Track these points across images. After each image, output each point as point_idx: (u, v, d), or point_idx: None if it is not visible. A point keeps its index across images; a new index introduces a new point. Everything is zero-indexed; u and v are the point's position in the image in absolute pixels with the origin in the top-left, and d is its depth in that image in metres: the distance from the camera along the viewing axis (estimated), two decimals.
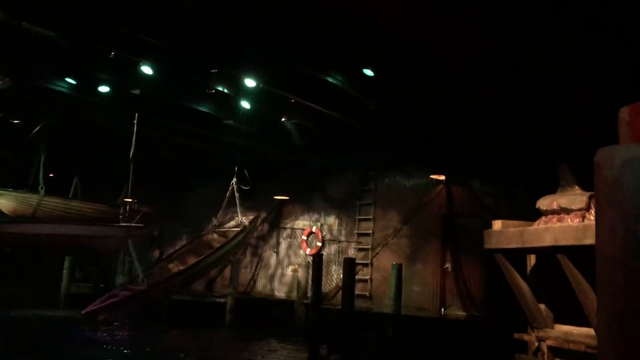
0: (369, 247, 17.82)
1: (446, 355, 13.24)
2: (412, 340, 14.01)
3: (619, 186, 2.89)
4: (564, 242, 6.05)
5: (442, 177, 16.14)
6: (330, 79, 11.92)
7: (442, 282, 15.97)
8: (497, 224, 7.47)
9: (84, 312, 15.04)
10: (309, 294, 18.00)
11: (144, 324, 17.00)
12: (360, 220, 18.28)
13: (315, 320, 13.12)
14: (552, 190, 9.58)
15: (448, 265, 15.95)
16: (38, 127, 15.83)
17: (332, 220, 19.19)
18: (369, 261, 17.65)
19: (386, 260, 17.21)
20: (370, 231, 17.93)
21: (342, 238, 18.74)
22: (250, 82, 12.54)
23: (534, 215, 8.85)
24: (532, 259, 7.50)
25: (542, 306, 7.02)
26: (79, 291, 22.74)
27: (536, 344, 7.06)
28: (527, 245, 6.75)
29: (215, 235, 19.63)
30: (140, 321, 16.98)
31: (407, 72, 11.94)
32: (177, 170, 22.67)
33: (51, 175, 18.87)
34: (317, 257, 14.08)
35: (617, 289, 2.82)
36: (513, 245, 6.95)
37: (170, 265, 18.10)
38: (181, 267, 17.56)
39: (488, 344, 12.57)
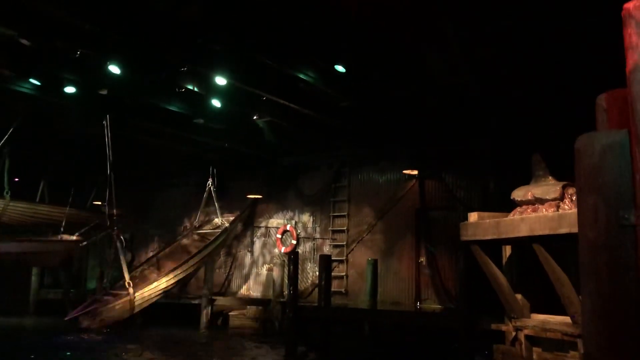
0: (344, 243, 17.82)
1: (423, 348, 13.35)
2: (389, 334, 14.08)
3: (600, 172, 2.90)
4: (539, 232, 6.11)
5: (415, 172, 16.21)
6: (301, 76, 11.84)
7: (417, 276, 16.06)
8: (473, 216, 7.51)
9: (66, 318, 14.71)
10: (285, 292, 17.96)
11: (118, 327, 16.72)
12: (334, 217, 18.27)
13: (292, 318, 13.02)
14: (524, 181, 9.72)
15: (423, 259, 16.05)
16: (8, 134, 15.30)
17: (306, 217, 19.13)
18: (344, 258, 17.65)
19: (361, 257, 17.23)
20: (345, 228, 17.93)
21: (317, 235, 18.70)
22: (220, 80, 12.38)
23: (506, 206, 8.96)
24: (507, 250, 7.57)
25: (519, 296, 7.09)
26: (49, 297, 22.27)
27: (513, 333, 7.13)
28: (503, 236, 6.81)
29: (195, 237, 19.36)
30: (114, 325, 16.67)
31: (378, 68, 11.96)
32: (146, 171, 22.28)
33: (16, 179, 18.37)
34: (293, 255, 13.99)
35: (601, 275, 2.82)
36: (489, 237, 7.00)
37: (147, 272, 17.77)
38: (167, 269, 17.27)
39: (465, 335, 12.73)
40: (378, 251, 16.89)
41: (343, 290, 17.39)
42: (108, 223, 18.05)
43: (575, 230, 5.75)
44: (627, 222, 2.74)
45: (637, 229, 2.72)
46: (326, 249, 18.15)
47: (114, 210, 17.51)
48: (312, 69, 11.89)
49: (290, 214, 19.55)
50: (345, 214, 18.02)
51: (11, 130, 15.10)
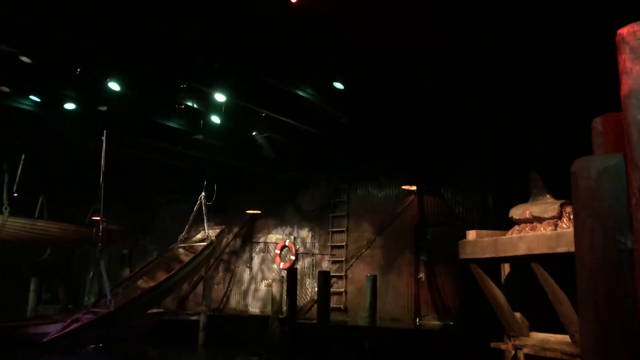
0: (343, 259, 17.79)
1: None
2: (389, 352, 14.01)
3: (596, 196, 2.91)
4: (537, 251, 6.11)
5: (414, 188, 16.23)
6: (300, 92, 11.90)
7: (417, 292, 16.01)
8: (472, 234, 7.51)
9: (44, 340, 13.68)
10: (284, 308, 17.87)
11: (114, 344, 16.57)
12: (333, 232, 18.25)
13: (291, 334, 12.97)
14: (524, 199, 9.74)
15: (422, 275, 16.02)
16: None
17: (305, 233, 19.11)
18: (343, 273, 17.61)
19: (360, 272, 17.19)
20: (344, 243, 17.91)
21: (316, 251, 18.66)
22: (219, 97, 12.46)
23: (505, 224, 8.96)
24: (506, 268, 7.56)
25: (518, 314, 7.07)
26: (46, 313, 22.09)
27: (513, 352, 7.09)
28: (502, 254, 6.81)
29: (181, 250, 19.16)
30: (110, 341, 16.51)
31: (376, 85, 12.04)
32: (146, 187, 22.33)
33: (15, 195, 18.34)
34: (292, 270, 13.95)
35: (599, 300, 2.83)
36: (487, 255, 6.99)
37: (139, 282, 17.56)
38: (150, 284, 17.01)
39: (464, 353, 12.67)
40: (377, 267, 16.85)
41: (342, 306, 17.31)
42: (105, 239, 17.84)
43: (573, 249, 5.78)
44: (623, 247, 2.76)
45: (635, 254, 2.73)
46: (325, 265, 18.11)
47: (101, 226, 16.97)
48: (311, 86, 11.95)
49: (289, 229, 19.53)
50: (344, 229, 18.01)
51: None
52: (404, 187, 16.35)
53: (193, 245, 18.78)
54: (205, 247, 17.93)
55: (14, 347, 14.80)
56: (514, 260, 6.79)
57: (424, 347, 13.60)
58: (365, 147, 15.88)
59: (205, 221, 18.17)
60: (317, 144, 15.84)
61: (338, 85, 11.91)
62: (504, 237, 6.99)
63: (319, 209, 18.80)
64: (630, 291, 2.73)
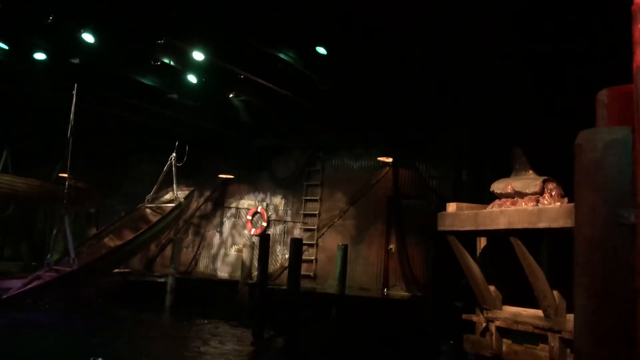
0: (315, 227, 17.77)
1: (389, 334, 13.45)
2: (356, 319, 14.14)
3: (600, 169, 2.86)
4: (518, 225, 6.12)
5: (389, 160, 16.21)
6: (282, 55, 11.63)
7: (386, 263, 16.14)
8: (452, 207, 7.50)
9: (4, 297, 13.11)
10: (254, 274, 17.85)
11: (78, 305, 16.35)
12: (306, 200, 18.18)
13: (261, 300, 12.94)
14: (498, 174, 9.80)
15: (392, 246, 16.13)
16: None
17: (278, 200, 19.00)
18: (314, 242, 17.62)
19: (332, 241, 17.22)
20: (317, 212, 17.87)
21: (288, 218, 18.59)
22: (198, 55, 12.05)
23: (479, 199, 8.99)
24: (482, 242, 7.60)
25: (492, 288, 7.14)
26: (7, 269, 21.59)
27: (484, 324, 7.18)
28: (481, 227, 6.82)
29: (149, 210, 18.83)
30: (76, 301, 16.27)
31: (359, 52, 11.82)
32: (116, 145, 21.75)
33: None
34: (264, 237, 13.86)
35: (596, 271, 2.80)
36: (467, 228, 6.99)
37: (105, 241, 17.21)
38: (117, 243, 16.70)
39: (432, 324, 12.86)
40: (349, 237, 16.88)
41: (312, 274, 17.37)
42: (71, 195, 17.33)
43: (554, 225, 5.81)
44: (625, 220, 2.72)
45: (637, 228, 2.70)
46: (297, 233, 18.08)
47: (68, 182, 16.45)
48: (293, 49, 11.68)
49: (261, 195, 19.39)
50: (318, 198, 17.95)
51: None
52: (380, 158, 16.30)
53: (161, 206, 18.47)
54: (174, 209, 17.67)
55: None
56: (494, 234, 6.82)
57: (391, 316, 13.77)
58: (343, 116, 15.71)
59: (174, 182, 17.85)
60: (294, 110, 15.63)
61: (321, 51, 11.65)
62: (484, 210, 7.00)
63: (293, 177, 18.67)
64: (628, 265, 2.70)
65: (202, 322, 14.91)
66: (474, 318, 7.37)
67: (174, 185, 17.98)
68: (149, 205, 18.62)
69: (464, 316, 7.64)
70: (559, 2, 8.92)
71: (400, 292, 15.63)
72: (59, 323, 13.90)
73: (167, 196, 18.58)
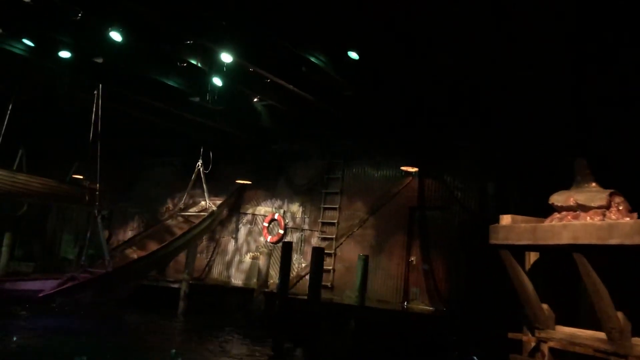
0: (333, 236, 17.41)
1: (411, 349, 13.08)
2: (376, 332, 13.78)
3: None
4: (584, 241, 5.76)
5: (412, 169, 15.87)
6: (313, 59, 11.34)
7: (407, 275, 15.77)
8: (506, 219, 7.12)
9: (40, 295, 13.61)
10: (269, 281, 17.52)
11: (95, 309, 16.07)
12: (325, 209, 17.84)
13: (281, 311, 12.58)
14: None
15: (413, 258, 15.77)
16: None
17: (295, 207, 18.67)
18: (332, 251, 17.24)
19: (350, 251, 16.87)
20: (335, 221, 17.52)
21: (306, 227, 18.25)
22: (226, 57, 11.75)
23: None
24: (531, 257, 7.24)
25: (545, 306, 6.76)
26: (19, 269, 21.32)
27: (533, 344, 6.80)
28: (540, 242, 6.44)
29: (180, 219, 18.69)
30: (91, 307, 15.99)
31: (389, 59, 11.54)
32: (131, 146, 21.47)
33: None
34: (286, 244, 13.54)
35: None
36: (524, 242, 6.62)
37: (128, 251, 17.04)
38: (147, 250, 16.58)
39: (461, 340, 12.49)
40: (368, 247, 16.51)
41: (329, 284, 16.98)
42: (87, 198, 17.18)
43: (627, 242, 5.46)
44: None
45: None
46: (314, 241, 17.74)
47: (97, 185, 16.65)
48: (324, 53, 11.39)
49: (278, 202, 19.07)
50: (337, 206, 17.61)
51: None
52: (403, 167, 15.95)
53: (191, 216, 18.41)
54: (206, 218, 17.56)
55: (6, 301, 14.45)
56: (553, 249, 6.46)
57: (414, 330, 13.42)
58: (366, 124, 15.40)
59: (205, 191, 17.75)
60: (317, 115, 15.33)
61: (353, 55, 11.35)
62: (543, 224, 6.63)
63: (311, 184, 18.36)
64: None
65: (218, 332, 14.50)
66: (523, 337, 7.00)
67: (206, 195, 17.85)
68: (180, 214, 18.52)
69: (510, 335, 7.26)
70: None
71: (420, 305, 15.25)
72: (66, 327, 13.67)
73: (199, 206, 18.50)
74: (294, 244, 18.15)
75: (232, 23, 10.80)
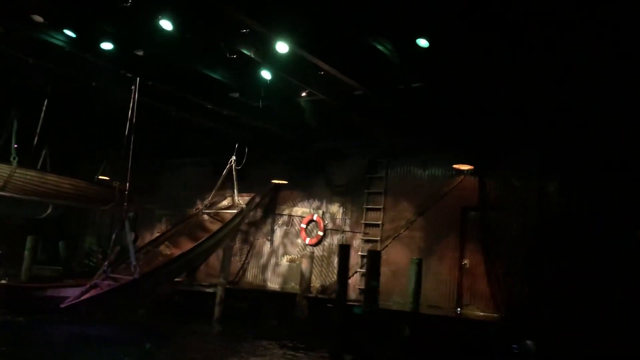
0: (378, 239, 16.53)
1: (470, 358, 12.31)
2: (432, 339, 12.96)
3: None
4: None
5: (466, 167, 15.00)
6: (379, 46, 10.47)
7: (460, 279, 14.92)
8: None
9: (62, 306, 12.34)
10: (313, 286, 16.69)
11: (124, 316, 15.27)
12: (368, 209, 16.97)
13: (341, 322, 11.73)
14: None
15: (467, 261, 14.92)
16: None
17: (335, 208, 17.79)
18: None
19: (397, 254, 16.01)
20: (380, 222, 16.64)
21: (347, 228, 17.37)
22: (282, 47, 10.86)
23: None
24: None
25: None
26: (42, 274, 20.45)
27: None
28: None
29: (206, 217, 17.70)
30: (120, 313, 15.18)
31: (465, 47, 10.66)
32: (158, 145, 20.51)
33: (15, 145, 16.53)
34: (343, 247, 12.67)
35: None
36: None
37: (161, 248, 16.03)
38: (174, 251, 15.57)
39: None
40: (416, 250, 15.63)
41: None
42: (117, 199, 16.20)
43: None
44: None
45: None
46: (356, 244, 16.87)
47: (127, 185, 15.59)
48: (392, 40, 10.51)
49: (317, 203, 18.20)
50: (381, 207, 16.73)
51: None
52: (455, 166, 15.07)
53: (219, 213, 17.36)
54: (236, 215, 16.55)
55: (27, 309, 13.65)
56: None
57: (474, 338, 12.63)
58: (420, 119, 14.50)
59: (235, 187, 16.78)
60: (367, 111, 14.44)
61: (422, 43, 10.45)
62: None
63: (351, 184, 17.49)
64: None
65: (262, 341, 13.54)
66: None
67: (235, 191, 16.93)
68: (206, 211, 17.50)
69: None
70: None
71: (475, 311, 14.40)
72: (93, 334, 12.94)
73: (225, 202, 17.48)
74: (334, 247, 17.37)
75: (293, 7, 9.92)
